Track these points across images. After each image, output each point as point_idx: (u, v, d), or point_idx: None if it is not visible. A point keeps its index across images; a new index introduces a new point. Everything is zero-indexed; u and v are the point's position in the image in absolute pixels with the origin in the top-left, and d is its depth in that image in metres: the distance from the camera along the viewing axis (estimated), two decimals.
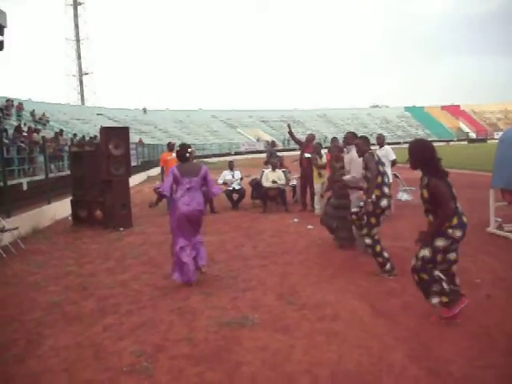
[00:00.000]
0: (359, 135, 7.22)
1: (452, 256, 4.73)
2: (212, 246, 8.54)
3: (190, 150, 6.55)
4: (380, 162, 6.46)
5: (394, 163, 10.71)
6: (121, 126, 25.79)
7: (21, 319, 5.37)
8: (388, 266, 6.28)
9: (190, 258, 6.18)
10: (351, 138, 7.52)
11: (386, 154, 10.67)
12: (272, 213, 12.14)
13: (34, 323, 5.22)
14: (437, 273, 4.58)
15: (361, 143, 6.68)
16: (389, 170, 10.78)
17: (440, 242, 4.52)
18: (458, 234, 4.54)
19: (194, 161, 7.01)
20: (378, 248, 6.29)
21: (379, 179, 6.31)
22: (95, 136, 26.01)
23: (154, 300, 5.74)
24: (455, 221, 4.51)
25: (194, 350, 4.30)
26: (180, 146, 6.68)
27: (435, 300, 4.59)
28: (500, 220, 8.78)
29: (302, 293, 5.75)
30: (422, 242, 4.57)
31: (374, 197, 6.26)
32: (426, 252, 4.56)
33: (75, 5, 76.14)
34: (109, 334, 4.77)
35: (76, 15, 76.67)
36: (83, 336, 4.77)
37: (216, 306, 5.42)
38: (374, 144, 13.33)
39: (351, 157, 7.33)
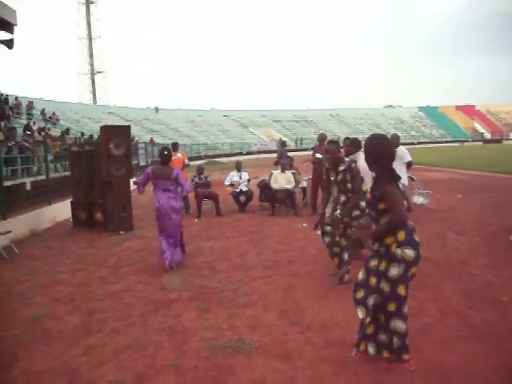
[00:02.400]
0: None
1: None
2: (214, 253, 8.05)
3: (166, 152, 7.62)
4: None
5: (409, 165, 10.06)
6: (131, 125, 25.33)
7: None
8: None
9: (164, 244, 7.22)
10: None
11: (401, 155, 10.04)
12: (280, 216, 11.58)
13: (11, 342, 4.72)
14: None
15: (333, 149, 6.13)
16: (404, 172, 10.20)
17: (393, 270, 3.57)
18: (411, 255, 3.56)
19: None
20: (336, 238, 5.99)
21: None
22: (91, 135, 25.60)
23: (144, 316, 5.21)
24: (402, 236, 3.58)
25: (180, 380, 3.76)
26: (160, 150, 7.78)
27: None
28: None
29: (308, 310, 5.16)
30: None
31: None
32: (385, 287, 3.65)
33: (87, 3, 76.25)
34: (88, 358, 4.24)
35: (88, 13, 76.79)
36: (60, 359, 4.25)
37: (211, 325, 4.86)
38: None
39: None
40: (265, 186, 12.45)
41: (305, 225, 10.24)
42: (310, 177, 12.05)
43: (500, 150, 44.32)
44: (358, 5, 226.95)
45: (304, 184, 12.91)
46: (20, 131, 18.99)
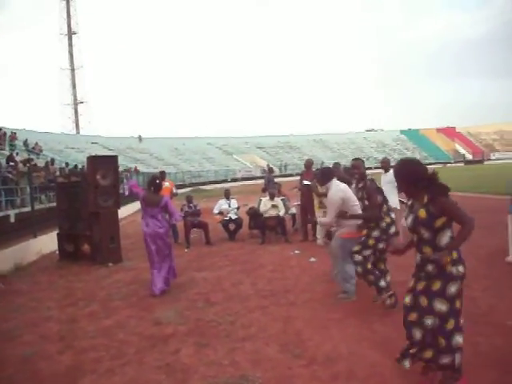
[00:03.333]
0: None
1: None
2: (208, 283, 7.85)
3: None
4: (380, 190, 6.23)
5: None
6: (115, 154, 24.92)
7: None
8: (382, 283, 5.98)
9: (156, 274, 7.47)
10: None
11: (393, 178, 9.99)
12: (271, 243, 11.43)
13: (3, 383, 4.48)
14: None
15: (360, 165, 6.36)
16: (396, 196, 10.15)
17: (452, 288, 3.56)
18: (462, 270, 3.60)
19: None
20: (368, 265, 5.93)
21: (385, 208, 6.17)
22: (75, 165, 25.31)
23: (140, 353, 4.98)
24: (455, 254, 3.60)
25: None
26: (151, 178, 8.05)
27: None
28: None
29: (309, 342, 4.99)
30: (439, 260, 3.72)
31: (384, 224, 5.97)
32: (442, 307, 3.59)
33: (70, 34, 76.57)
34: None
35: (71, 44, 77.03)
36: None
37: (211, 361, 4.66)
38: (377, 168, 12.80)
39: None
40: (254, 214, 12.32)
41: (297, 252, 10.10)
42: (299, 203, 11.95)
43: (482, 170, 44.80)
44: (339, 32, 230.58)
45: (293, 210, 12.80)
46: (3, 162, 18.70)
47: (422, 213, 3.64)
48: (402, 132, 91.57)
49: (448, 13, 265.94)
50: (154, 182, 7.71)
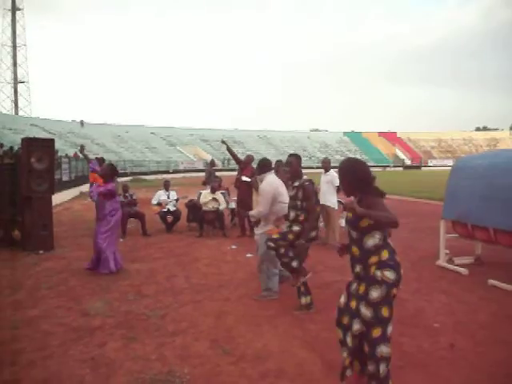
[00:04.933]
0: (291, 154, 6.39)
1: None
2: (141, 275, 7.68)
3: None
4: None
5: (339, 189, 10.16)
6: (55, 138, 24.01)
7: None
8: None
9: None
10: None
11: (332, 179, 10.15)
12: (209, 237, 11.34)
13: None
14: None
15: (295, 162, 5.98)
16: (334, 196, 10.28)
17: (374, 293, 3.45)
18: (391, 276, 3.45)
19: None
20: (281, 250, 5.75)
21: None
22: (11, 147, 24.38)
23: (65, 346, 4.79)
24: (386, 254, 3.50)
25: None
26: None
27: None
28: (448, 252, 8.33)
29: (240, 339, 4.94)
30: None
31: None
32: (366, 312, 3.49)
33: (14, 10, 73.51)
34: None
35: (14, 21, 73.92)
36: None
37: (138, 355, 4.53)
38: (319, 168, 12.92)
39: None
40: (193, 206, 12.18)
41: (234, 247, 10.07)
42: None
43: (419, 175, 46.13)
44: (289, 33, 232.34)
45: (233, 205, 12.75)
46: None
47: (349, 213, 3.62)
48: (346, 134, 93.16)
49: (396, 21, 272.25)
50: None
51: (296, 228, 5.70)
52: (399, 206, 18.37)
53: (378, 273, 3.45)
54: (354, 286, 3.63)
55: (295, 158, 5.99)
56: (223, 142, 12.19)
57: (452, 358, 4.47)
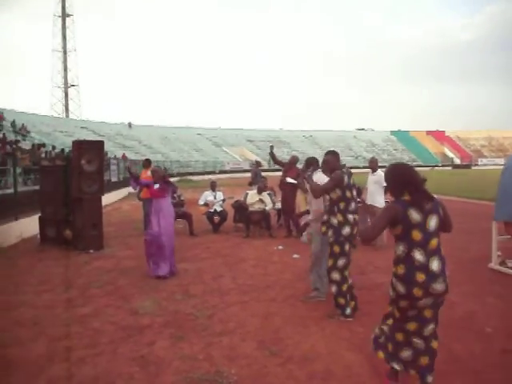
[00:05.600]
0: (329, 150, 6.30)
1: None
2: (188, 275, 7.76)
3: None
4: (349, 186, 5.62)
5: (387, 189, 9.98)
6: (104, 140, 24.65)
7: None
8: (348, 310, 5.55)
9: None
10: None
11: (379, 179, 9.96)
12: (255, 238, 11.35)
13: None
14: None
15: (331, 159, 5.90)
16: (382, 196, 10.11)
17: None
18: (400, 288, 3.46)
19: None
20: (344, 287, 5.52)
21: (342, 205, 5.53)
22: (62, 149, 25.09)
23: (114, 344, 4.88)
24: (401, 270, 3.46)
25: None
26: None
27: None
28: (500, 254, 8.07)
29: (288, 340, 4.91)
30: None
31: (335, 221, 5.53)
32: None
33: (64, 16, 75.55)
34: None
35: (64, 26, 75.97)
36: None
37: (186, 354, 4.56)
38: (366, 167, 12.76)
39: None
40: (240, 207, 12.22)
41: (280, 247, 10.04)
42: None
43: (469, 175, 44.97)
44: (333, 31, 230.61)
45: (279, 205, 12.71)
46: None
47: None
48: (393, 133, 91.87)
49: (441, 16, 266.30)
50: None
51: (330, 234, 5.63)
52: (448, 206, 17.96)
53: (393, 280, 3.50)
54: None
55: (332, 155, 5.94)
56: (271, 149, 12.21)
57: (505, 364, 4.32)
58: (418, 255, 3.39)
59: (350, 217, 5.55)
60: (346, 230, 5.49)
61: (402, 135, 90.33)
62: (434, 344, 3.56)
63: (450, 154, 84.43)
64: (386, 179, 3.74)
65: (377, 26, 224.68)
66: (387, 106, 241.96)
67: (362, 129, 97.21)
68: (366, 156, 67.81)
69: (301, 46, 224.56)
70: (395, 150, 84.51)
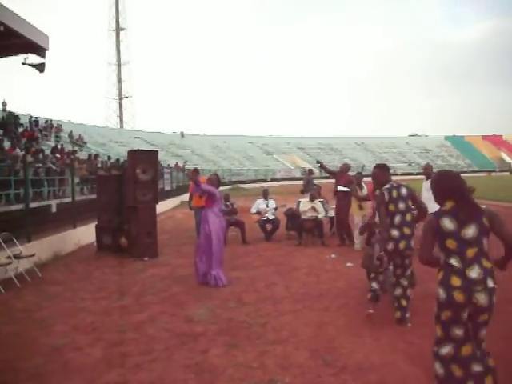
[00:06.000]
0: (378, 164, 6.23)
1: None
2: (241, 283, 7.79)
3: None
4: (393, 201, 5.58)
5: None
6: (158, 149, 25.21)
7: (16, 367, 4.66)
8: (408, 314, 5.58)
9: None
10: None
11: None
12: (308, 246, 11.29)
13: (30, 372, 4.50)
14: None
15: (379, 173, 5.88)
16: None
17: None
18: (441, 295, 3.44)
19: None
20: (409, 292, 5.59)
21: (388, 220, 5.53)
22: (117, 159, 25.71)
23: (169, 350, 4.94)
24: (440, 275, 3.47)
25: None
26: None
27: None
28: None
29: (341, 350, 4.85)
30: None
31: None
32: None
33: (117, 30, 77.67)
34: None
35: (118, 40, 78.12)
36: None
37: (240, 362, 4.58)
38: (419, 174, 12.50)
39: None
40: (292, 215, 12.21)
41: (333, 256, 9.95)
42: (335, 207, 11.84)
43: None
44: (385, 34, 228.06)
45: (332, 213, 12.62)
46: (48, 153, 19.14)
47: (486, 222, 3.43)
48: (447, 138, 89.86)
49: (494, 18, 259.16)
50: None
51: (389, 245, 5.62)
52: (508, 212, 17.42)
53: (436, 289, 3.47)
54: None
55: (379, 169, 5.97)
56: (319, 163, 12.23)
57: None
58: (455, 262, 3.35)
59: (395, 232, 5.51)
60: (390, 246, 5.51)
61: (456, 140, 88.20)
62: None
63: (508, 159, 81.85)
64: (431, 187, 3.68)
65: (431, 27, 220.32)
66: (441, 110, 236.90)
67: (415, 134, 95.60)
68: (420, 162, 66.54)
69: (351, 50, 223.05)
70: (450, 155, 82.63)
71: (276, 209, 12.62)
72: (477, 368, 3.33)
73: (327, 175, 14.56)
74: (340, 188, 11.11)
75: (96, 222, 11.75)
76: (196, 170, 12.90)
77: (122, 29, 78.30)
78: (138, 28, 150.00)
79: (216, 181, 8.25)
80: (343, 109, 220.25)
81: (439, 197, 3.55)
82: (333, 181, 12.33)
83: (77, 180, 15.75)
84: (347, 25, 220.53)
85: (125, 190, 10.49)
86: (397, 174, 51.08)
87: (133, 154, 10.72)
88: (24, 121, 29.52)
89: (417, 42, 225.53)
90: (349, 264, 8.91)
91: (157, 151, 11.47)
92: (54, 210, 14.00)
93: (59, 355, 4.93)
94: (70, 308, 6.66)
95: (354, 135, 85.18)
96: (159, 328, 5.68)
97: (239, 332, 5.46)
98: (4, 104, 31.10)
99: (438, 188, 3.56)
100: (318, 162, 12.35)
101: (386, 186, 5.70)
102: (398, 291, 5.58)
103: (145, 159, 10.49)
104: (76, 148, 30.53)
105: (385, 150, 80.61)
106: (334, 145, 78.78)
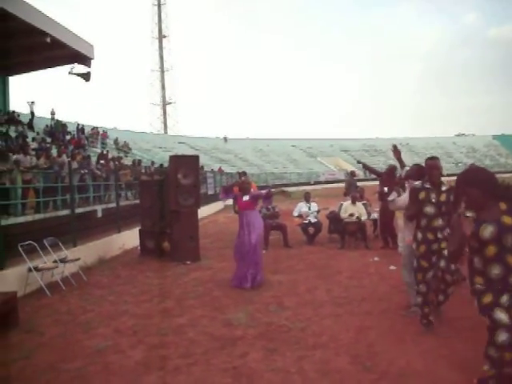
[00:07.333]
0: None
1: None
2: (282, 287, 7.75)
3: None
4: (429, 201, 5.35)
5: None
6: (201, 154, 25.31)
7: (58, 368, 4.77)
8: (431, 318, 5.42)
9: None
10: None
11: None
12: (350, 249, 11.15)
13: (72, 374, 4.59)
14: None
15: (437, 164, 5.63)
16: None
17: None
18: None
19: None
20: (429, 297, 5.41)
21: (422, 222, 5.35)
22: (161, 164, 26.06)
23: (208, 354, 4.95)
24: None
25: None
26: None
27: None
28: None
29: (383, 355, 4.74)
30: None
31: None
32: None
33: (160, 38, 79.13)
34: None
35: (161, 47, 79.55)
36: None
37: (278, 367, 4.53)
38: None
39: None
40: (334, 218, 12.08)
41: (376, 259, 9.80)
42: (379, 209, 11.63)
43: None
44: (428, 34, 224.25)
45: (375, 216, 12.43)
46: (94, 160, 19.61)
47: (509, 219, 3.15)
48: (495, 137, 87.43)
49: None
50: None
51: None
52: None
53: None
54: None
55: (437, 160, 5.71)
56: (363, 165, 12.12)
57: None
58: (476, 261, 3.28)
59: (430, 235, 5.30)
60: (421, 250, 5.33)
61: (505, 139, 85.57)
62: None
63: None
64: (473, 183, 3.37)
65: (476, 25, 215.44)
66: (488, 109, 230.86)
67: (462, 134, 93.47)
68: (467, 162, 64.93)
69: (396, 51, 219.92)
70: (499, 154, 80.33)
71: (318, 212, 12.51)
72: None
73: (373, 177, 14.34)
74: (386, 189, 10.92)
75: (139, 227, 11.94)
76: (243, 174, 12.96)
77: (165, 36, 79.78)
78: (180, 35, 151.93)
79: (249, 184, 8.60)
80: (387, 110, 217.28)
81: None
82: (377, 183, 12.13)
83: (121, 186, 16.05)
84: (401, 20, 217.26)
85: (167, 194, 10.60)
86: (443, 176, 49.98)
87: (174, 158, 10.82)
88: (71, 128, 30.36)
89: (465, 40, 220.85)
90: (392, 267, 8.74)
91: (198, 156, 11.53)
92: (99, 215, 14.31)
93: (101, 357, 5.01)
94: (112, 311, 6.77)
95: (399, 136, 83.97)
96: (199, 331, 5.70)
97: (278, 336, 5.42)
98: (52, 113, 32.08)
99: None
100: (359, 162, 12.22)
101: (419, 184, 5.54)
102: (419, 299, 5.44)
103: (186, 164, 10.58)
104: (121, 154, 31.13)
105: (430, 150, 78.85)
106: (378, 146, 77.72)
